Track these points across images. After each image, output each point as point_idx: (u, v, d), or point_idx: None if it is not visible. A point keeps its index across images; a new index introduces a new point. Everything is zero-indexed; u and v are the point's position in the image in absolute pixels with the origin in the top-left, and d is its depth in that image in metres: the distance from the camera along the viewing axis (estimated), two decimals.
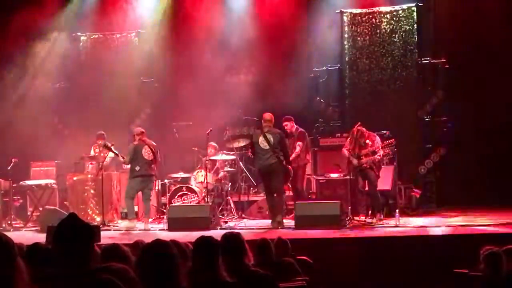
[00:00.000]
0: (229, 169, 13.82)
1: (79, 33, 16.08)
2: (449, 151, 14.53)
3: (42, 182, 13.94)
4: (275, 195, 11.90)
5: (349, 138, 12.28)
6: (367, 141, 12.02)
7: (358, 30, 15.19)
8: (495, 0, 14.35)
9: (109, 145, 12.65)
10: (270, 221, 12.26)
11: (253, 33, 14.78)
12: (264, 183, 12.21)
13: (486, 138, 14.00)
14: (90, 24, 15.95)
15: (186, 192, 13.37)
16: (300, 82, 14.69)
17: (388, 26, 15.03)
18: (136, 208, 13.39)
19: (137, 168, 12.44)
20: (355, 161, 11.93)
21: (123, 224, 12.83)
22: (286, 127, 12.75)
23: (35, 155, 14.88)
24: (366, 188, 12.16)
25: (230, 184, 13.76)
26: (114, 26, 15.86)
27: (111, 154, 13.16)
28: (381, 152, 11.96)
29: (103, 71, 15.39)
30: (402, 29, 14.94)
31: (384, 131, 13.49)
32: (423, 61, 14.78)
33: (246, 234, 10.43)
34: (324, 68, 15.19)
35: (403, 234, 10.50)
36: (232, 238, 5.54)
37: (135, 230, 12.16)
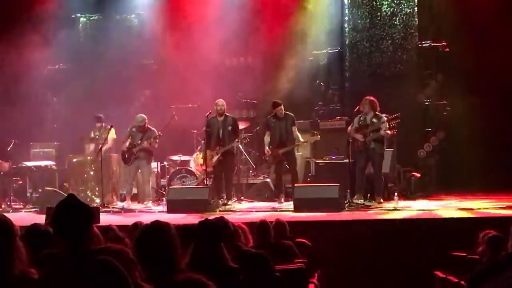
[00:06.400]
0: None
1: (78, 14, 16.02)
2: (449, 134, 14.53)
3: (42, 163, 13.94)
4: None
5: (357, 116, 12.22)
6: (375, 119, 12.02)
7: (359, 12, 15.13)
8: None
9: None
10: (269, 203, 12.52)
11: (253, 15, 14.70)
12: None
13: (485, 121, 13.96)
14: (89, 5, 15.89)
15: (185, 174, 13.40)
16: (300, 65, 14.65)
17: (388, 9, 14.97)
18: (135, 191, 13.44)
19: None
20: (359, 137, 11.92)
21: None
22: (280, 111, 12.54)
23: (35, 137, 14.88)
24: (369, 170, 12.17)
25: None
26: (114, 7, 15.79)
27: (112, 135, 13.21)
28: (387, 131, 11.96)
29: (103, 53, 15.32)
30: (403, 12, 14.88)
31: (384, 115, 13.48)
32: (423, 44, 14.74)
33: (245, 216, 10.52)
34: (324, 51, 15.15)
35: (401, 217, 10.52)
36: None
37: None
